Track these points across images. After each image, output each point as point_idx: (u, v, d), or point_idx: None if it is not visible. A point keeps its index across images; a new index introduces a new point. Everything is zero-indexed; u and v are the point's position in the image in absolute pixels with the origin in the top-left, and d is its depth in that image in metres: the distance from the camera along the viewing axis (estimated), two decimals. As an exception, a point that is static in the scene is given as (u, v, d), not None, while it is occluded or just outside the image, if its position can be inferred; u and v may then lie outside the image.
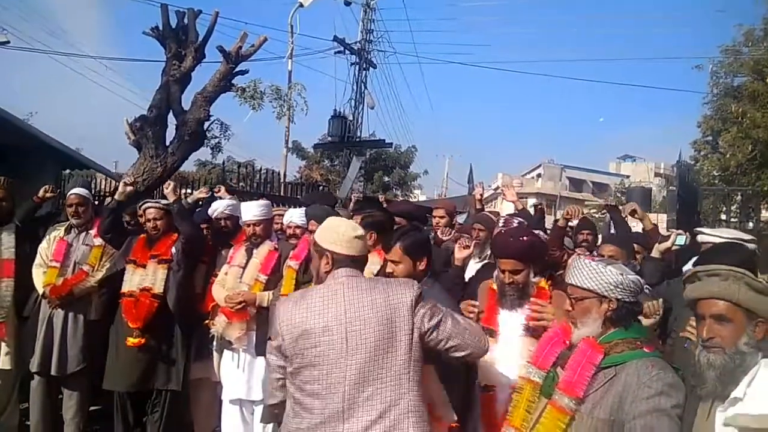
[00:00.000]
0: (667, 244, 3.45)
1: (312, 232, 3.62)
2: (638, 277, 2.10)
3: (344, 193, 13.94)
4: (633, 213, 4.27)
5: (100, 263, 4.39)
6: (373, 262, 3.14)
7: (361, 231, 2.36)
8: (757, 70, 12.98)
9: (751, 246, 3.03)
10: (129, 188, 4.36)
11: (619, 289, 2.02)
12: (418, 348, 2.16)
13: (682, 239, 3.49)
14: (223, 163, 9.91)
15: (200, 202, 5.03)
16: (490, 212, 4.77)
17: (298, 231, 4.36)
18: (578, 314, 2.07)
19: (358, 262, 2.31)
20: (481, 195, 5.28)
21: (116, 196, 4.37)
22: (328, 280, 2.25)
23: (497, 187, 44.92)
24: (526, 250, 2.83)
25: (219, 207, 4.44)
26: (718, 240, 3.09)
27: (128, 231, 4.47)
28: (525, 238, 2.87)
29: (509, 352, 2.74)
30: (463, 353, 2.23)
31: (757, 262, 3.23)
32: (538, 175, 45.04)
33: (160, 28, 7.11)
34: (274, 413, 2.41)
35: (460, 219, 5.65)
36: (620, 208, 4.47)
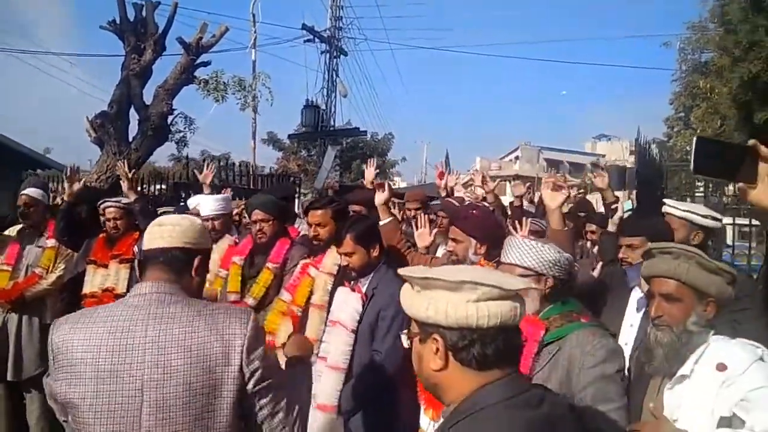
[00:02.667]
0: (618, 213, 3.46)
1: (256, 222, 3.58)
2: (571, 257, 2.11)
3: (320, 184, 13.87)
4: (597, 168, 4.22)
5: (53, 265, 4.26)
6: (336, 257, 3.12)
7: (182, 222, 1.69)
8: (723, 46, 13.14)
9: (710, 222, 3.02)
10: (75, 186, 4.19)
11: (556, 267, 2.02)
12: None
13: (629, 204, 3.50)
14: (187, 158, 9.72)
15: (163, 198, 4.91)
16: (455, 198, 4.75)
17: (216, 223, 4.04)
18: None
19: (174, 265, 1.62)
20: (454, 183, 5.25)
21: (65, 197, 4.22)
22: (130, 295, 1.61)
23: (475, 171, 45.02)
24: (469, 221, 2.78)
25: (205, 205, 4.13)
26: (677, 212, 3.08)
27: (86, 232, 4.36)
28: (473, 210, 2.84)
29: None
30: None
31: (719, 235, 3.25)
32: (516, 158, 45.29)
33: (118, 21, 6.95)
34: None
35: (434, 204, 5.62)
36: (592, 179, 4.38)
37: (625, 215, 3.50)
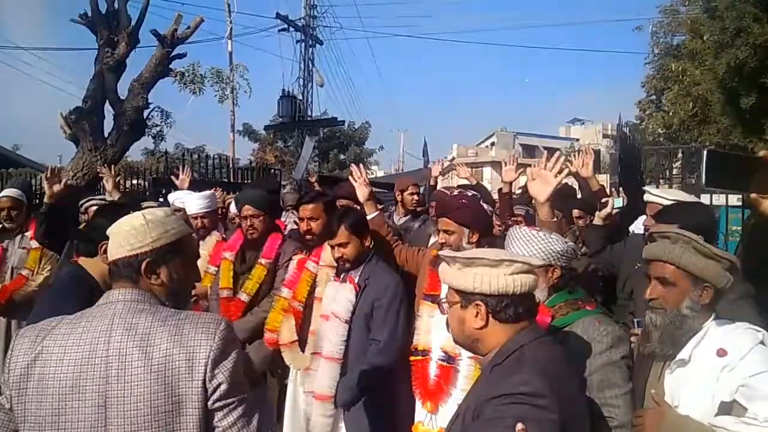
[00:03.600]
0: (607, 209, 3.50)
1: (246, 217, 3.54)
2: (574, 244, 2.14)
3: (299, 174, 13.76)
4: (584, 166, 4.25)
5: (39, 266, 4.17)
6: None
7: (140, 221, 1.56)
8: (695, 29, 13.34)
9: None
10: (56, 187, 4.08)
11: (564, 257, 2.04)
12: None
13: (618, 201, 3.54)
14: (165, 151, 9.53)
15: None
16: (445, 188, 4.76)
17: (206, 221, 4.02)
18: None
19: (125, 270, 1.52)
20: (438, 172, 5.27)
21: (45, 199, 4.10)
22: (98, 304, 1.52)
23: (453, 158, 45.29)
24: (461, 211, 2.76)
25: (192, 204, 4.03)
26: (662, 200, 3.12)
27: (67, 233, 4.25)
28: (463, 200, 2.83)
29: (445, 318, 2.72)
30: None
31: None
32: (492, 144, 45.54)
33: (89, 14, 6.77)
34: None
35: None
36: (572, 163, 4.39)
37: (614, 212, 3.54)
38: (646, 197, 3.26)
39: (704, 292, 1.80)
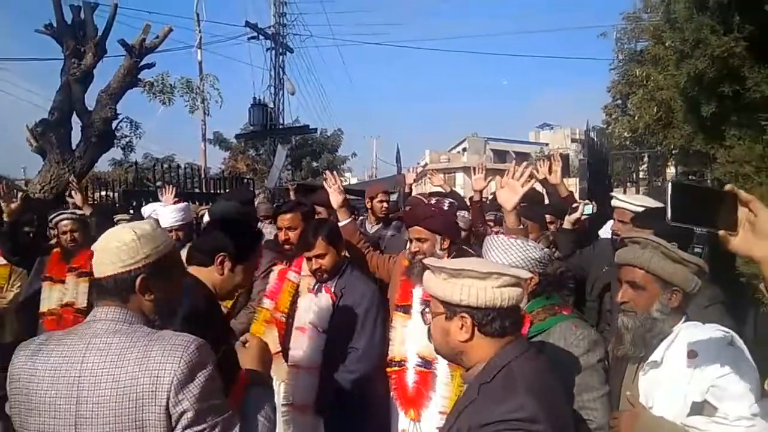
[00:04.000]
0: (577, 214, 3.59)
1: None
2: (549, 250, 2.21)
3: (272, 183, 13.69)
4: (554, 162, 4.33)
5: (9, 283, 4.09)
6: None
7: (131, 236, 1.52)
8: (657, 35, 13.70)
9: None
10: (14, 205, 3.99)
11: (541, 264, 2.08)
12: None
13: (589, 208, 3.64)
14: (136, 162, 9.39)
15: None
16: (420, 195, 4.79)
17: (180, 234, 3.88)
18: None
19: (121, 288, 1.50)
20: (413, 179, 5.30)
21: (4, 217, 4.02)
22: (83, 323, 1.53)
23: (425, 164, 45.54)
24: (433, 219, 2.79)
25: (165, 218, 3.92)
26: (630, 206, 3.18)
27: (36, 249, 4.16)
28: (433, 208, 2.87)
29: (418, 326, 2.69)
30: None
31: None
32: (464, 149, 45.95)
33: (54, 24, 6.64)
34: None
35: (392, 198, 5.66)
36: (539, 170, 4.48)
37: (584, 218, 3.63)
38: (614, 203, 3.33)
39: (673, 295, 1.85)
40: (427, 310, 1.67)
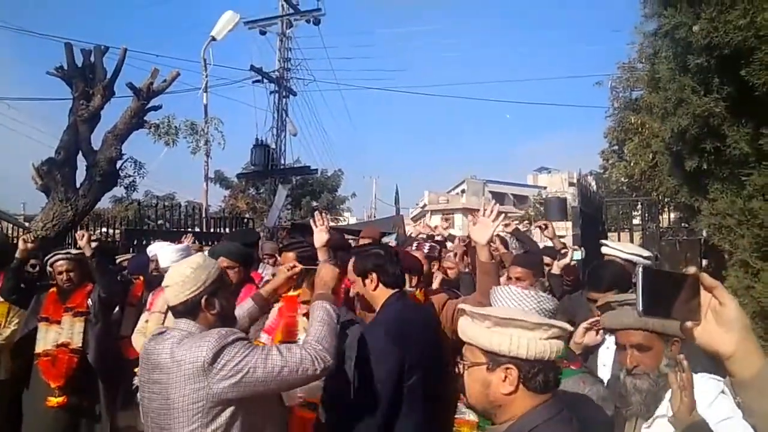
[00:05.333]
0: (566, 260, 3.69)
1: (226, 268, 3.60)
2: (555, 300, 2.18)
3: (272, 222, 13.81)
4: (544, 228, 4.52)
5: (7, 320, 4.13)
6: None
7: (190, 272, 2.02)
8: (652, 84, 14.04)
9: (645, 259, 3.25)
10: (29, 245, 4.12)
11: (553, 315, 2.03)
12: (215, 412, 1.89)
13: (578, 254, 3.74)
14: (138, 202, 9.52)
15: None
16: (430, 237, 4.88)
17: None
18: None
19: (191, 308, 2.02)
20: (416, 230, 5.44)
21: (17, 255, 4.12)
22: (168, 332, 2.07)
23: (424, 205, 45.77)
24: (405, 259, 2.96)
25: (165, 256, 4.03)
26: (621, 254, 3.26)
27: (34, 287, 4.23)
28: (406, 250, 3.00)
29: None
30: (288, 389, 2.13)
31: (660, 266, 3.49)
32: (462, 191, 46.29)
33: (65, 67, 6.87)
34: None
35: (387, 239, 5.75)
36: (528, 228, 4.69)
37: (573, 263, 3.74)
38: (604, 250, 3.41)
39: (674, 346, 1.87)
40: (462, 359, 1.56)
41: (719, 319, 1.03)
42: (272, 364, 1.90)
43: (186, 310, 2.00)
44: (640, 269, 1.03)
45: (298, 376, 1.94)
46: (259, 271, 4.52)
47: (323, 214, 3.66)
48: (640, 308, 1.02)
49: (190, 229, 8.66)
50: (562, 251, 3.76)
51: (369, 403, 2.31)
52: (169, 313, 3.85)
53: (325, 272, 2.38)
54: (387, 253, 2.83)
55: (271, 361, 1.91)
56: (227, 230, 9.14)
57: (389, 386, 2.31)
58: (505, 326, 1.46)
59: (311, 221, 3.62)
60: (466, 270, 4.09)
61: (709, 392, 1.74)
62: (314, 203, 24.18)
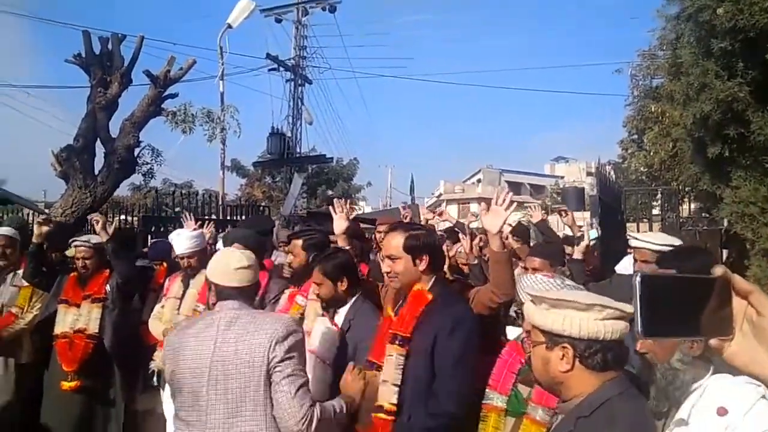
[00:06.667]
0: (585, 242, 3.63)
1: None
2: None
3: (287, 211, 13.86)
4: (564, 215, 4.48)
5: (29, 304, 4.21)
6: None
7: (246, 262, 2.37)
8: (673, 72, 13.77)
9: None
10: (44, 228, 4.15)
11: None
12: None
13: (594, 233, 3.67)
14: (156, 190, 9.63)
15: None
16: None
17: (192, 261, 4.04)
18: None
19: (243, 294, 2.36)
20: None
21: (34, 239, 4.17)
22: (213, 310, 2.36)
23: (440, 194, 45.65)
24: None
25: (179, 243, 4.09)
26: (649, 245, 3.17)
27: (56, 270, 4.29)
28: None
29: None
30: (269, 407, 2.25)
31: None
32: (478, 181, 46.05)
33: (83, 55, 6.91)
34: None
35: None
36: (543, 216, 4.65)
37: (591, 243, 3.69)
38: (633, 243, 3.29)
39: (695, 344, 1.69)
40: (526, 337, 1.69)
41: (759, 334, 0.80)
42: (293, 383, 2.18)
43: (235, 294, 2.32)
44: (638, 278, 0.82)
45: (287, 410, 2.15)
46: (272, 258, 4.54)
47: (342, 201, 3.67)
48: (639, 328, 0.80)
49: (206, 217, 8.72)
50: (578, 234, 3.72)
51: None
52: (184, 300, 3.94)
53: (351, 386, 2.52)
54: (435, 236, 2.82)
55: (295, 381, 2.19)
56: (243, 218, 9.20)
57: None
58: (557, 307, 1.54)
59: (331, 209, 3.65)
60: (475, 261, 4.06)
61: (746, 400, 1.54)
62: (329, 192, 24.24)
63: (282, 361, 2.17)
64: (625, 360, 1.59)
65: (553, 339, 1.55)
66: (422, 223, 5.28)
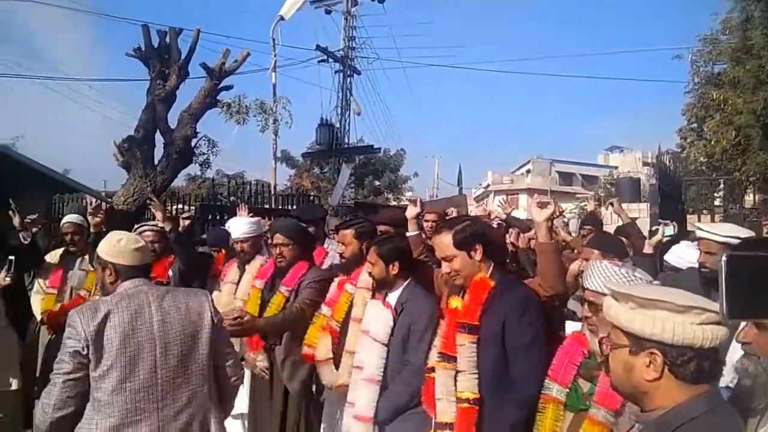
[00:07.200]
0: (658, 237, 3.52)
1: (276, 245, 3.74)
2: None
3: (335, 201, 14.00)
4: (617, 206, 4.37)
5: (96, 288, 4.40)
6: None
7: (141, 242, 2.52)
8: (736, 57, 13.15)
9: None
10: (97, 219, 4.34)
11: None
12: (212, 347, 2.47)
13: (670, 230, 3.55)
14: (213, 179, 9.91)
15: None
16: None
17: (245, 246, 4.13)
18: (603, 321, 1.80)
19: (145, 271, 2.51)
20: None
21: (92, 229, 4.37)
22: (120, 289, 2.39)
23: (487, 185, 45.08)
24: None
25: (236, 228, 4.23)
26: (715, 237, 3.05)
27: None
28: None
29: None
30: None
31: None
32: (528, 171, 45.23)
33: (143, 48, 7.15)
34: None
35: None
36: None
37: (665, 240, 3.56)
38: (698, 234, 3.21)
39: None
40: (605, 339, 1.49)
41: None
42: (229, 345, 2.64)
43: (147, 271, 2.59)
44: (724, 259, 0.81)
45: (231, 368, 2.59)
46: (325, 245, 4.60)
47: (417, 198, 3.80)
48: (724, 309, 0.79)
49: (259, 206, 8.93)
50: (653, 228, 3.60)
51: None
52: (241, 284, 4.05)
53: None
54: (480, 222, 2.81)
55: (230, 344, 2.66)
56: (294, 207, 9.36)
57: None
58: (649, 308, 1.35)
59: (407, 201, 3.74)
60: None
61: None
62: (377, 182, 24.32)
63: (216, 324, 2.46)
64: (720, 372, 1.40)
65: (640, 343, 1.35)
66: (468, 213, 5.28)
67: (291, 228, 3.80)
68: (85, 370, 2.25)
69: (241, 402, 4.03)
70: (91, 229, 4.38)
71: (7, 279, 4.19)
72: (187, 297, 2.47)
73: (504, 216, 5.33)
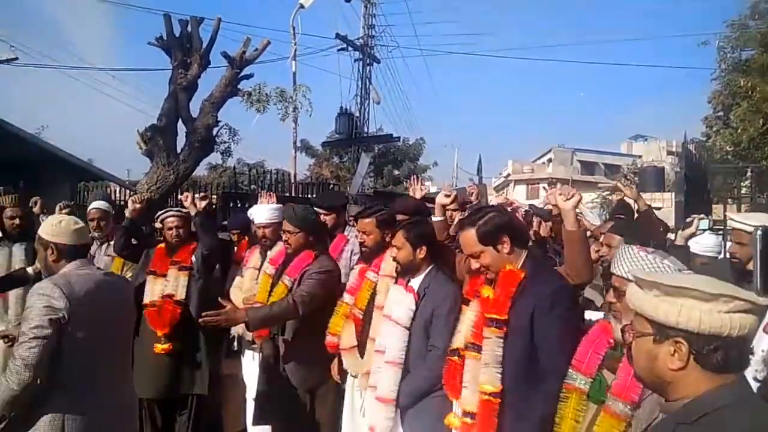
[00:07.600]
0: (691, 229, 3.45)
1: (284, 232, 3.77)
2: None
3: (355, 190, 14.03)
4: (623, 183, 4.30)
5: (122, 273, 4.48)
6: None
7: (81, 224, 2.70)
8: (765, 43, 12.81)
9: None
10: (138, 206, 4.44)
11: None
12: None
13: (705, 223, 3.48)
14: (234, 167, 10.00)
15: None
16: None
17: (267, 232, 4.18)
18: (626, 308, 1.73)
19: (84, 251, 2.70)
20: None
21: (127, 214, 4.46)
22: (70, 267, 2.56)
23: (508, 175, 44.73)
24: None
25: (259, 214, 4.28)
26: (747, 227, 3.01)
27: (144, 244, 4.55)
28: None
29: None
30: None
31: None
32: (549, 160, 44.77)
33: (165, 37, 7.21)
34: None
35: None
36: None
37: (698, 233, 3.50)
38: (730, 224, 3.19)
39: None
40: (627, 327, 1.45)
41: None
42: None
43: (86, 251, 2.85)
44: (759, 233, 0.75)
45: None
46: (346, 233, 4.62)
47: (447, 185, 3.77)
48: (758, 286, 0.73)
49: (279, 194, 8.99)
50: (687, 220, 3.52)
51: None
52: (263, 270, 4.10)
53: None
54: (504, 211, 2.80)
55: None
56: (314, 195, 9.40)
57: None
58: (675, 295, 1.31)
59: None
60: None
61: None
62: (396, 172, 24.30)
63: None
64: (747, 362, 1.36)
65: (664, 331, 1.32)
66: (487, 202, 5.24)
67: (298, 216, 3.80)
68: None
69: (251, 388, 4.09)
70: (127, 214, 4.47)
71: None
72: (119, 280, 2.87)
73: (526, 206, 5.31)
